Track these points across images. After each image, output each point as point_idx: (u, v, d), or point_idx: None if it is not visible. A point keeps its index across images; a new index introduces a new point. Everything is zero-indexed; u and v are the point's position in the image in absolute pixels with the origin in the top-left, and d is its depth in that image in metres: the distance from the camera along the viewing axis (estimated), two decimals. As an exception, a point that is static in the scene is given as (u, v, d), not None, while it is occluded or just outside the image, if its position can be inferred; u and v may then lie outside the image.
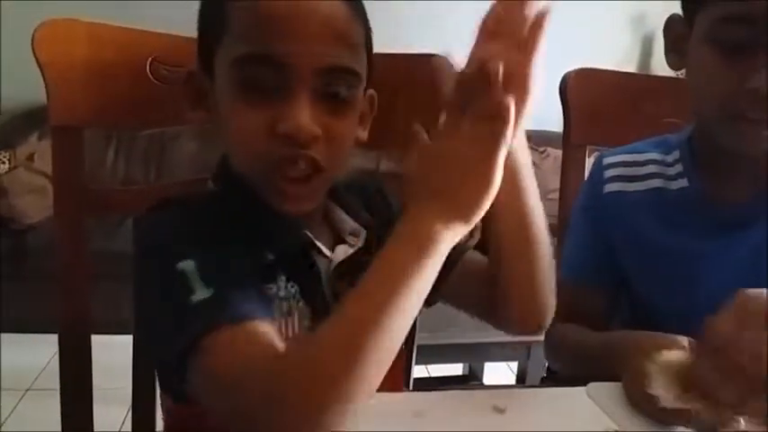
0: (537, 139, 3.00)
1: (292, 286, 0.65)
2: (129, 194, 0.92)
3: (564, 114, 1.06)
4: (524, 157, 0.62)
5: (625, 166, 0.89)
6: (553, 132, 2.88)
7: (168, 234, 0.61)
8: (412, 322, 0.51)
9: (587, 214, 0.93)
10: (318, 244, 0.67)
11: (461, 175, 0.52)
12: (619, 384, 0.69)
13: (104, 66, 0.79)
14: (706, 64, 0.75)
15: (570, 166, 1.07)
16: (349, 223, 0.72)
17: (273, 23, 0.58)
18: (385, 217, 0.76)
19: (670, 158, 0.88)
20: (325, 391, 0.47)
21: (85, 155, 0.82)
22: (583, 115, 1.04)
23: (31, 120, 2.49)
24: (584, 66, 1.06)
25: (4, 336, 2.16)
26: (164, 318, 0.57)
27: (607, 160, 0.91)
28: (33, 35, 0.76)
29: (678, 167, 0.86)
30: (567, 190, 1.07)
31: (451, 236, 0.52)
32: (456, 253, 0.69)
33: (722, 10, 0.72)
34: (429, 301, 0.69)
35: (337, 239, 0.71)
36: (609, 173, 0.90)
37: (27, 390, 2.03)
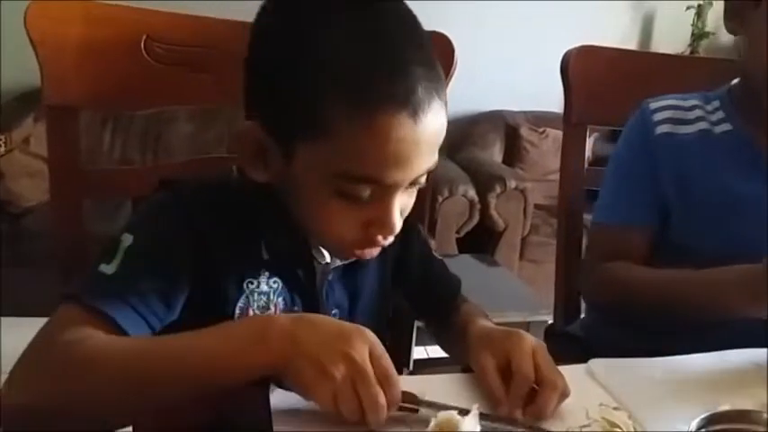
0: (536, 120, 3.00)
1: (275, 282, 0.67)
2: (126, 175, 0.91)
3: (565, 92, 1.05)
4: None
5: (674, 110, 0.92)
6: (552, 113, 2.88)
7: (151, 206, 0.66)
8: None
9: (636, 156, 0.93)
10: (316, 254, 0.69)
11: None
12: (619, 360, 0.70)
13: (98, 44, 0.78)
14: None
15: (571, 144, 1.06)
16: None
17: (394, 159, 0.57)
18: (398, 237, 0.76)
19: (710, 107, 0.92)
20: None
21: (82, 138, 0.81)
22: (584, 93, 1.03)
23: (27, 103, 2.48)
24: (584, 44, 1.05)
25: (3, 320, 2.15)
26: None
27: (654, 105, 0.93)
28: (26, 13, 0.74)
29: (719, 114, 0.91)
30: (567, 169, 1.07)
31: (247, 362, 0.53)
32: None
33: None
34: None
35: None
36: (658, 116, 0.92)
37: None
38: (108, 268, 0.59)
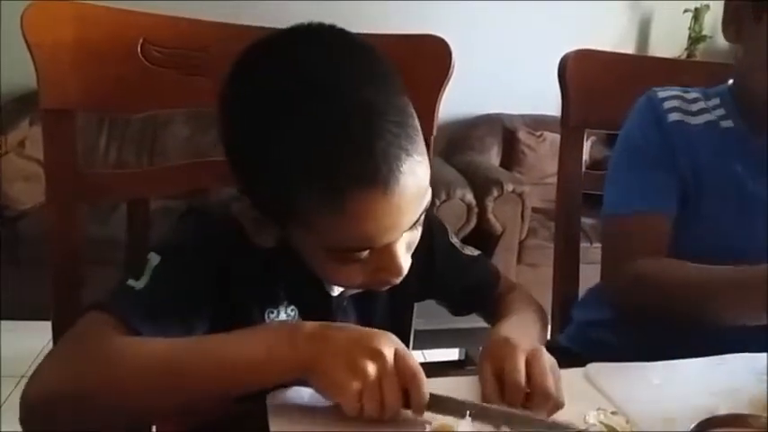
0: (534, 123, 3.00)
1: (292, 310, 0.70)
2: (122, 179, 0.90)
3: (562, 96, 1.05)
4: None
5: (681, 100, 0.92)
6: (550, 116, 2.89)
7: (178, 233, 0.68)
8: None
9: (653, 141, 0.90)
10: (328, 287, 0.71)
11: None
12: (617, 364, 0.69)
13: (94, 47, 0.78)
14: None
15: (568, 148, 1.06)
16: None
17: (377, 232, 0.58)
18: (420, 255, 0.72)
19: (711, 103, 0.92)
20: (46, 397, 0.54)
21: (78, 140, 0.81)
22: (581, 97, 1.03)
23: (23, 105, 2.47)
24: (581, 48, 1.05)
25: (1, 323, 2.15)
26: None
27: (662, 94, 0.92)
28: (22, 16, 0.74)
29: (720, 111, 0.91)
30: (564, 172, 1.07)
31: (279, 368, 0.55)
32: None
33: None
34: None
35: None
36: (668, 104, 0.91)
37: (22, 376, 2.03)
38: (136, 284, 0.61)
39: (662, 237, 0.88)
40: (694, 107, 0.92)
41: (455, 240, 0.83)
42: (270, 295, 0.69)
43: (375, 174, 0.55)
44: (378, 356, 0.53)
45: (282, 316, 0.69)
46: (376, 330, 0.56)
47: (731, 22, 0.87)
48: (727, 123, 0.90)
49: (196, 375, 0.54)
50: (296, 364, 0.54)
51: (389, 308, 0.77)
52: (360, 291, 0.72)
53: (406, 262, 0.63)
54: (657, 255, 0.86)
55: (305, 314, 0.70)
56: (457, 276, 0.82)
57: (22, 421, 0.54)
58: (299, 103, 0.56)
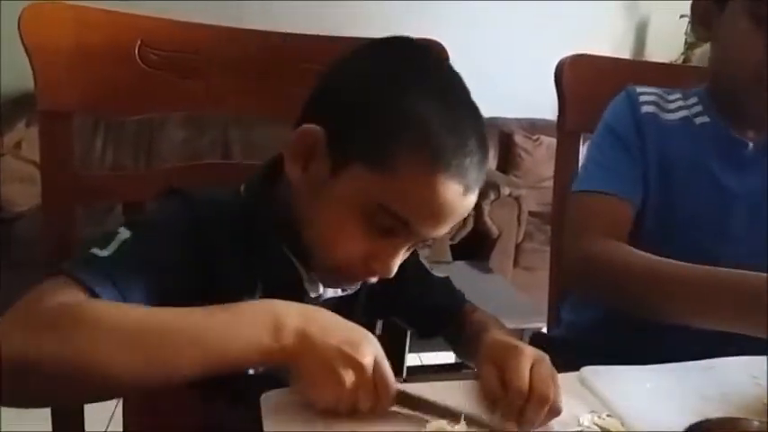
0: (530, 128, 3.01)
1: None
2: (118, 181, 0.90)
3: (559, 101, 1.05)
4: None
5: (658, 97, 0.95)
6: (546, 120, 2.90)
7: (159, 212, 0.67)
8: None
9: (623, 130, 0.92)
10: (307, 286, 0.71)
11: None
12: (611, 368, 0.70)
13: (92, 50, 0.78)
14: (743, 38, 0.82)
15: (564, 152, 1.07)
16: None
17: (432, 216, 0.63)
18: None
19: (689, 101, 0.94)
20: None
21: (74, 142, 0.81)
22: (578, 101, 1.04)
23: (19, 107, 2.47)
24: (578, 53, 1.05)
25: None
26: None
27: (639, 89, 0.95)
28: (20, 18, 0.74)
29: (698, 108, 0.93)
30: (561, 176, 1.07)
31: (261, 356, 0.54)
32: None
33: None
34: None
35: None
36: (643, 98, 0.94)
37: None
38: (101, 252, 0.60)
39: (619, 221, 0.88)
40: (672, 105, 0.94)
41: (424, 261, 0.86)
42: (248, 285, 0.69)
43: (467, 172, 0.62)
44: (357, 367, 0.55)
45: None
46: (359, 334, 0.57)
47: (700, 21, 0.90)
48: (704, 119, 0.92)
49: (179, 352, 0.52)
50: (278, 354, 0.54)
51: (361, 318, 0.78)
52: (334, 297, 0.73)
53: (395, 267, 0.66)
54: (612, 237, 0.85)
55: None
56: (425, 295, 0.84)
57: None
58: (431, 71, 0.65)
